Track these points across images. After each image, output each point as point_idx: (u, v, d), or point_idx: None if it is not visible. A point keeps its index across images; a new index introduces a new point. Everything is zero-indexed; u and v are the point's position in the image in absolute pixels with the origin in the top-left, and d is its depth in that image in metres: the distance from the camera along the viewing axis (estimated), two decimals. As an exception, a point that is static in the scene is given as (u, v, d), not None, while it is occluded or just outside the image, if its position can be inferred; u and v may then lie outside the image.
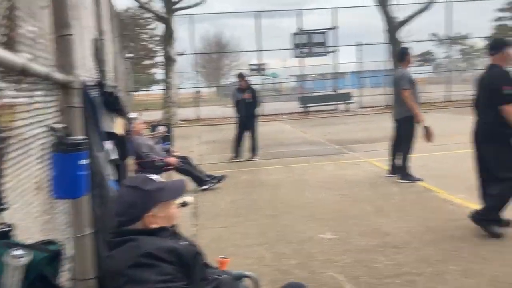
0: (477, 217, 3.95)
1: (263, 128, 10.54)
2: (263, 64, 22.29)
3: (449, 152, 8.07)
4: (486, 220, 3.90)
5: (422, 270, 3.35)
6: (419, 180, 6.10)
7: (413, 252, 3.72)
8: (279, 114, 18.98)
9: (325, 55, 22.16)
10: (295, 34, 20.91)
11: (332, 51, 21.76)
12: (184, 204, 4.18)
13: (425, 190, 5.71)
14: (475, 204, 4.75)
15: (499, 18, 41.86)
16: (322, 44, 21.07)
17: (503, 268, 3.31)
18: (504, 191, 3.82)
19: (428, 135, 5.88)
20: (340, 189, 6.02)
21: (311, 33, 21.06)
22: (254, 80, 14.12)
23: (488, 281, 3.14)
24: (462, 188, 5.62)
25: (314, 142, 10.82)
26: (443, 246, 3.81)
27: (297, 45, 20.76)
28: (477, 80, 4.15)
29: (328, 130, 12.75)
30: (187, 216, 4.86)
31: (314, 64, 26.64)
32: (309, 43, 20.77)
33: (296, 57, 22.12)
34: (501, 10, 39.93)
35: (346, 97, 20.16)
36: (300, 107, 19.65)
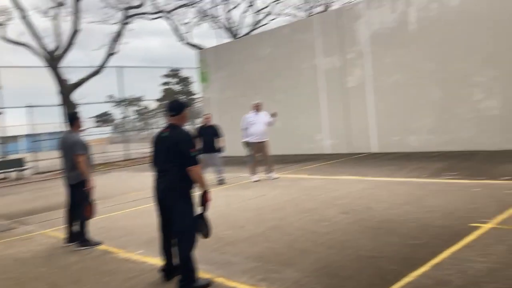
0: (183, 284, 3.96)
1: None
2: None
3: (128, 209, 8.14)
4: (187, 283, 3.94)
5: None
6: (98, 243, 5.84)
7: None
8: None
9: (-11, 118, 19.55)
10: None
11: (-1, 113, 19.44)
12: None
13: (105, 253, 5.47)
14: (154, 258, 4.83)
15: (166, 83, 47.15)
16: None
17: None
18: (188, 246, 3.97)
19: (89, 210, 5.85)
20: (6, 273, 5.12)
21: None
22: None
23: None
24: (140, 243, 5.68)
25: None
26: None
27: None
28: (156, 139, 4.20)
29: (-4, 203, 11.04)
30: None
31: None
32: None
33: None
34: (166, 76, 45.24)
35: (18, 163, 18.20)
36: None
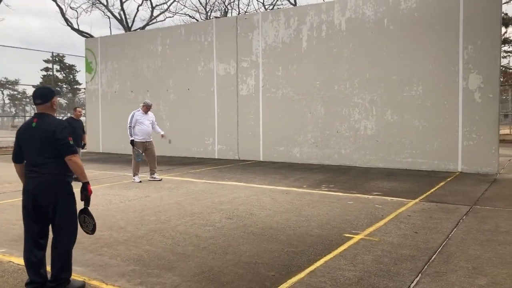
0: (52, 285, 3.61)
1: None
2: None
3: (-8, 203, 7.34)
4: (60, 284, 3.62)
5: None
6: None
7: None
8: None
9: None
10: None
11: None
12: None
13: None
14: (20, 258, 4.40)
15: (47, 69, 43.66)
16: None
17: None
18: (71, 244, 3.70)
19: None
20: None
21: None
22: None
23: None
24: (5, 241, 5.14)
25: None
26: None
27: None
28: (24, 130, 3.73)
29: None
30: None
31: None
32: None
33: None
34: (48, 61, 41.87)
35: None
36: None
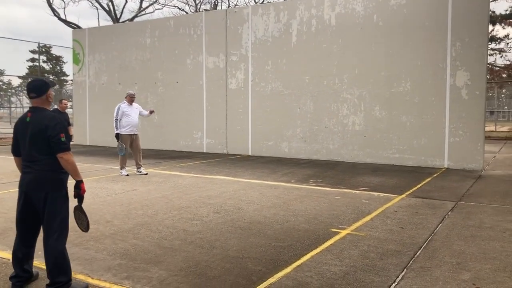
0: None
1: None
2: None
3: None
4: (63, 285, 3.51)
5: None
6: None
7: None
8: None
9: None
10: None
11: None
12: None
13: None
14: (3, 251, 4.36)
15: (33, 59, 43.09)
16: None
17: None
18: (60, 244, 3.55)
19: None
20: None
21: None
22: None
23: None
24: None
25: None
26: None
27: None
28: (19, 125, 3.65)
29: None
30: None
31: None
32: None
33: None
34: (34, 52, 41.28)
35: None
36: None
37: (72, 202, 3.68)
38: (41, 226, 3.62)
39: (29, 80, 3.67)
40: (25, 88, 3.64)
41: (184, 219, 5.96)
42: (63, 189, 3.62)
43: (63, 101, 10.68)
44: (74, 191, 3.61)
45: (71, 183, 3.58)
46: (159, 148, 15.92)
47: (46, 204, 3.53)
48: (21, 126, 3.63)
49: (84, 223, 3.73)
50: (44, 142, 3.50)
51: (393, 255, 4.51)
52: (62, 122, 3.61)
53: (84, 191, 3.66)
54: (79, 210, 3.72)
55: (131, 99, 10.03)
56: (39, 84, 3.64)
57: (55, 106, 11.01)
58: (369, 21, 12.18)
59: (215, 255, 4.50)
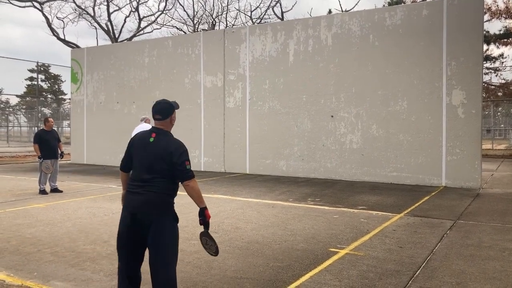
0: None
1: None
2: None
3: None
4: None
5: None
6: None
7: None
8: None
9: None
10: None
11: None
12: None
13: None
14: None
15: (32, 78, 43.26)
16: None
17: None
18: (171, 269, 3.41)
19: None
20: None
21: None
22: None
23: None
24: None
25: None
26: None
27: None
28: (139, 142, 3.56)
29: None
30: None
31: None
32: None
33: None
34: (32, 71, 41.48)
35: None
36: None
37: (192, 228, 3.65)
38: (144, 251, 3.49)
39: (156, 101, 3.63)
40: (152, 110, 3.57)
41: (181, 238, 5.88)
42: (172, 213, 3.53)
43: (50, 119, 10.34)
44: (200, 218, 3.51)
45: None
46: (156, 166, 15.88)
47: (157, 226, 3.39)
48: (140, 144, 3.55)
49: (213, 248, 3.60)
50: (164, 167, 3.42)
51: (392, 275, 4.47)
52: (187, 150, 3.55)
53: (209, 217, 3.56)
54: (206, 236, 3.59)
55: (147, 121, 9.76)
56: (165, 107, 3.58)
57: (42, 127, 10.82)
58: (365, 41, 12.32)
59: (212, 275, 4.46)
